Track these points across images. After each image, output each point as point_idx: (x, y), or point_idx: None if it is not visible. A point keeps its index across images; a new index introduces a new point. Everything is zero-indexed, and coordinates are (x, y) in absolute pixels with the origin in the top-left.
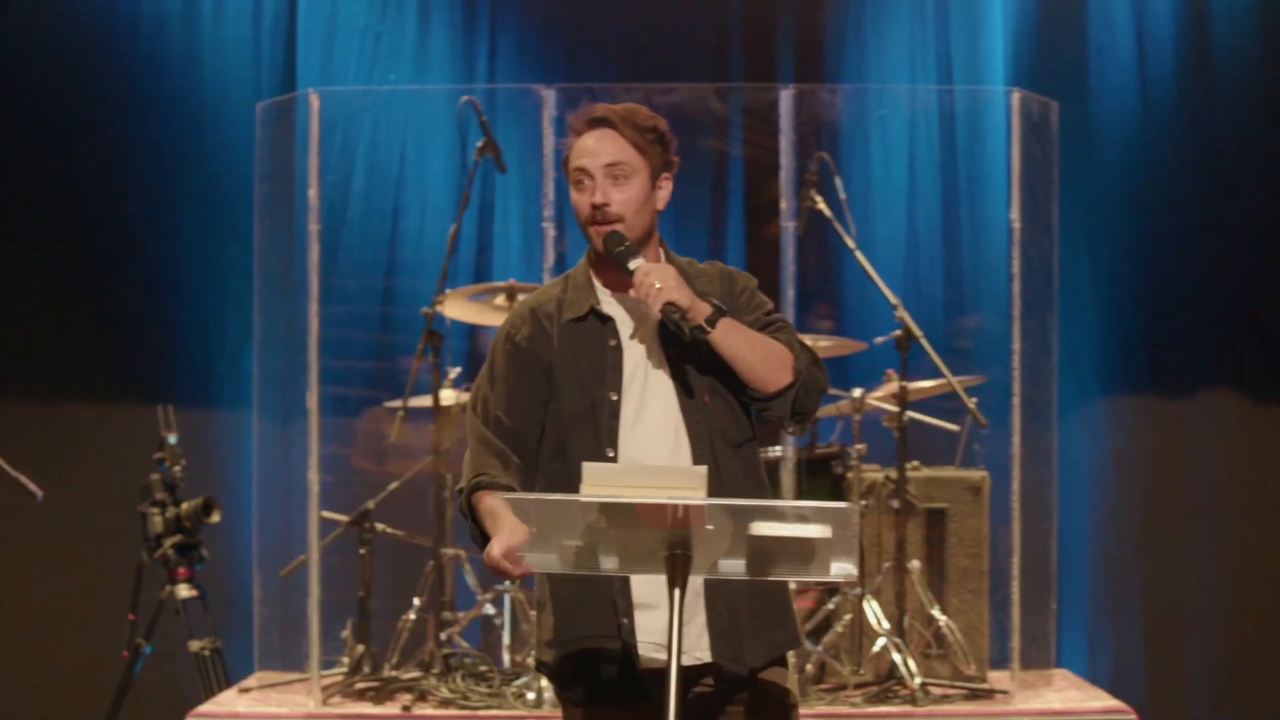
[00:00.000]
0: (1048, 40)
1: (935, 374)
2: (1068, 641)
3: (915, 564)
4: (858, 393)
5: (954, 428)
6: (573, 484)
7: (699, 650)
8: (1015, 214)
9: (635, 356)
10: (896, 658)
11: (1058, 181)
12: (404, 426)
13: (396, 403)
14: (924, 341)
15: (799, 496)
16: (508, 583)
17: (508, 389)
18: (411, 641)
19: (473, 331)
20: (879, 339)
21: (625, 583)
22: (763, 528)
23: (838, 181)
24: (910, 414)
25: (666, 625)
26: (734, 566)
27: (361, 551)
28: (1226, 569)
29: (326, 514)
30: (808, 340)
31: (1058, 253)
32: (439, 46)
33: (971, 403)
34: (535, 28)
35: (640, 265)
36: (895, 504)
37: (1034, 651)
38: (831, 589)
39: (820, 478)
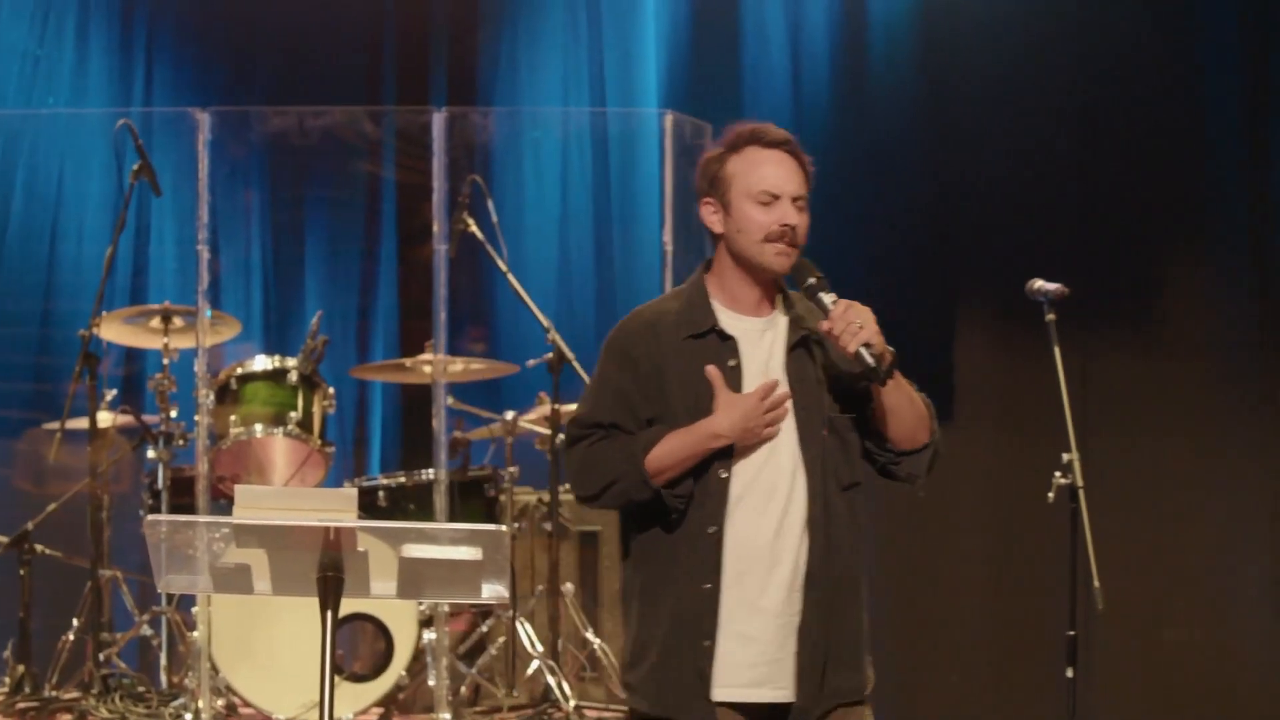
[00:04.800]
0: (701, 61)
1: None
2: None
3: (569, 587)
4: (510, 415)
5: None
6: (694, 503)
7: (784, 687)
8: (668, 236)
9: (754, 379)
10: (551, 680)
11: None
12: (62, 448)
13: (55, 424)
14: (576, 364)
15: (452, 519)
16: (165, 604)
17: (616, 398)
18: (71, 662)
19: (129, 354)
20: (531, 362)
21: (715, 604)
22: (414, 550)
23: (490, 204)
24: (563, 437)
25: (758, 660)
26: (386, 588)
27: (21, 572)
28: (986, 579)
29: None
30: (468, 363)
31: None
32: (97, 70)
33: None
34: (191, 52)
35: (839, 301)
36: (548, 527)
37: None
38: (485, 611)
39: (473, 500)
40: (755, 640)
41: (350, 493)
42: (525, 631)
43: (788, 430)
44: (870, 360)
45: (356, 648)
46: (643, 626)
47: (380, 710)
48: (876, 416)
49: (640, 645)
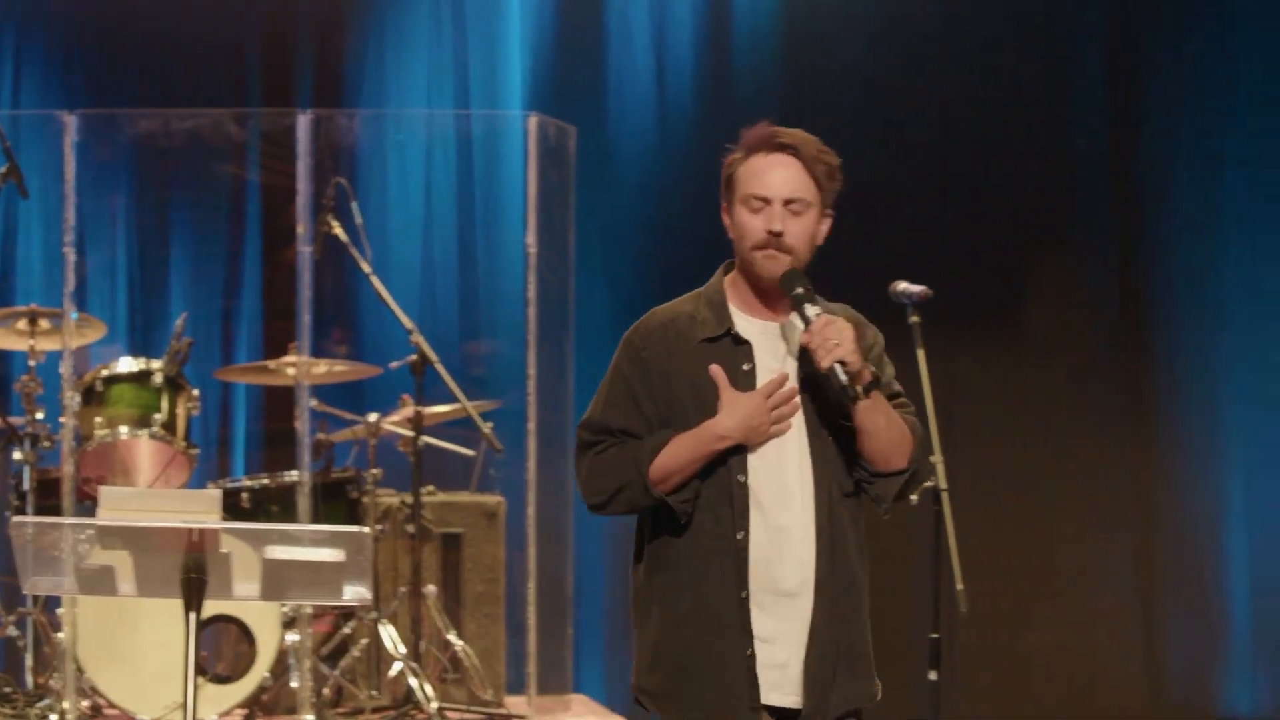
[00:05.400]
0: (566, 64)
1: (451, 399)
2: (585, 667)
3: (431, 589)
4: (373, 417)
5: (470, 453)
6: (714, 509)
7: (793, 693)
8: (531, 238)
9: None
10: (413, 682)
11: (574, 206)
12: None
13: None
14: (439, 366)
15: (315, 521)
16: (30, 605)
17: (626, 402)
18: None
19: None
20: (395, 364)
21: (745, 607)
22: (277, 551)
23: (354, 206)
24: (426, 439)
25: (767, 664)
26: (249, 590)
27: None
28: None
29: None
30: (331, 365)
31: (574, 278)
32: None
33: (487, 428)
34: (59, 55)
35: (821, 315)
36: (411, 529)
37: (550, 677)
38: (348, 613)
39: (336, 502)
40: (766, 645)
41: (214, 494)
42: (388, 633)
43: (797, 434)
44: (843, 378)
45: (220, 649)
46: (664, 632)
47: (244, 711)
48: (856, 433)
49: (661, 651)
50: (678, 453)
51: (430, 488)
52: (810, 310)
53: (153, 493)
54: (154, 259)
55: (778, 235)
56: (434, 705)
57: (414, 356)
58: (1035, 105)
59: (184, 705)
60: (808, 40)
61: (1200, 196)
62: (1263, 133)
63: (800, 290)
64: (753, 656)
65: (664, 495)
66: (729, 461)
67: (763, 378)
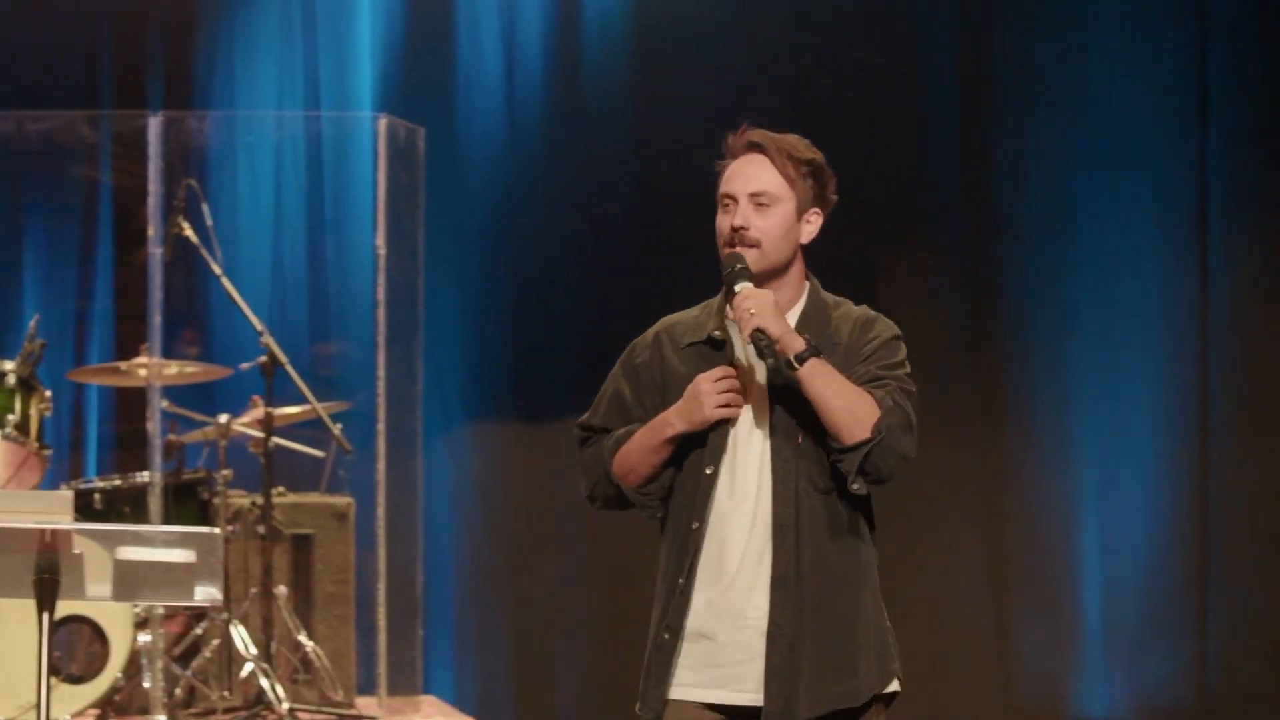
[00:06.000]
0: (416, 65)
1: (301, 400)
2: (435, 667)
3: (282, 590)
4: (224, 418)
5: (320, 454)
6: (683, 501)
7: (753, 691)
8: (381, 240)
9: (745, 383)
10: (264, 683)
11: (424, 207)
12: None
13: None
14: (289, 368)
15: (166, 522)
16: None
17: (611, 405)
18: None
19: None
20: (245, 365)
21: (685, 600)
22: (128, 553)
23: (205, 208)
24: (276, 440)
25: (720, 661)
26: (102, 590)
27: None
28: (591, 587)
29: None
30: (182, 367)
31: (423, 279)
32: None
33: (337, 429)
34: None
35: (744, 289)
36: (261, 530)
37: (401, 678)
38: (200, 614)
39: (188, 503)
40: (715, 640)
41: (66, 495)
42: (239, 634)
43: (760, 431)
44: (762, 345)
45: (73, 649)
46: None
47: (97, 712)
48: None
49: (648, 644)
50: (634, 445)
51: (280, 489)
52: (737, 286)
53: (6, 494)
54: (6, 261)
55: (740, 230)
56: (285, 706)
57: (264, 358)
58: (887, 102)
59: (37, 705)
60: (657, 36)
61: (1052, 197)
62: (1113, 134)
63: (732, 270)
64: (674, 644)
65: (628, 488)
66: (703, 455)
67: (741, 377)
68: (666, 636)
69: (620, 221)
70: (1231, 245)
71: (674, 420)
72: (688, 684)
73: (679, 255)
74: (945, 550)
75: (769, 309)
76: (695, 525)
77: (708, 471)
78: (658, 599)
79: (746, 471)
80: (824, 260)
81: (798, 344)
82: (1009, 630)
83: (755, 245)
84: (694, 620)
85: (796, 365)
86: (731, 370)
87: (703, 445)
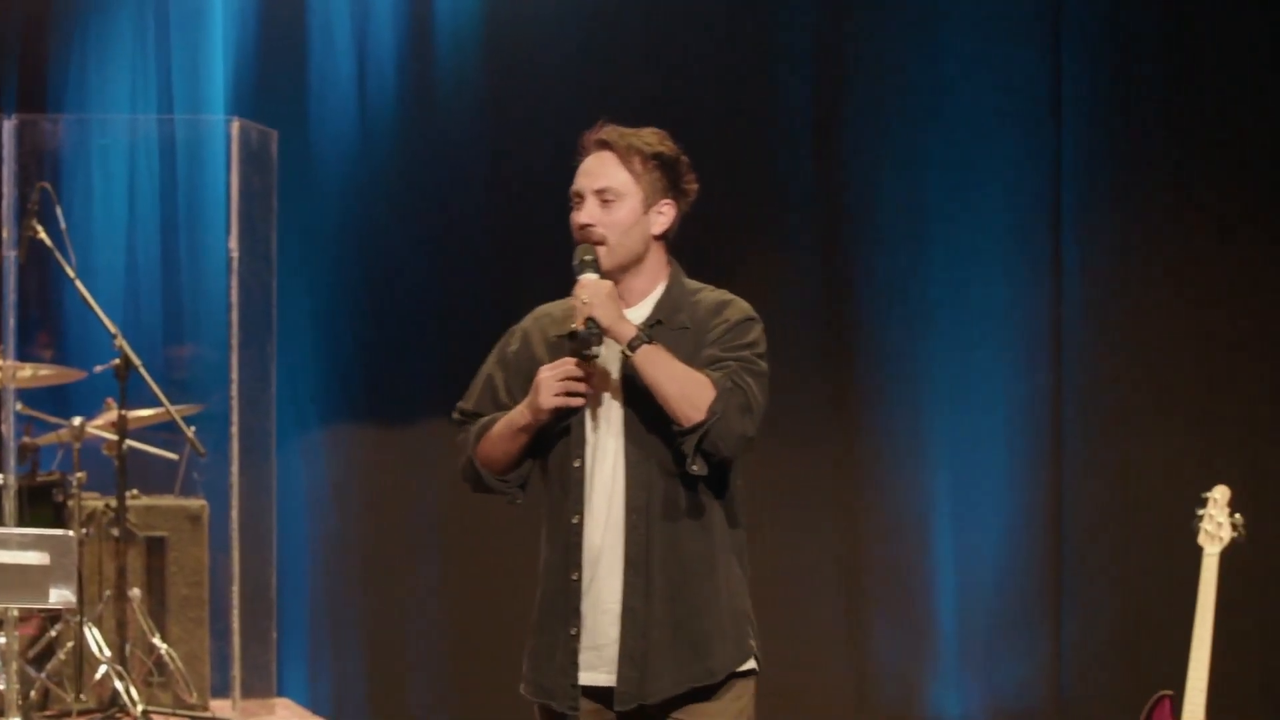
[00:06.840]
0: (269, 67)
1: (155, 402)
2: (289, 670)
3: (136, 592)
4: (77, 421)
5: (173, 456)
6: (558, 494)
7: (610, 673)
8: (234, 243)
9: (601, 374)
10: (119, 685)
11: (276, 210)
12: None
13: None
14: (143, 370)
15: (20, 524)
16: None
17: (483, 390)
18: None
19: None
20: (99, 367)
21: (577, 589)
22: None
23: (59, 211)
24: (130, 442)
25: (588, 645)
26: None
27: None
28: (445, 587)
29: None
30: (36, 369)
31: (276, 281)
32: None
33: (190, 431)
34: None
35: (583, 279)
36: (115, 532)
37: (255, 680)
38: (54, 616)
39: (42, 506)
40: (583, 625)
41: None
42: (93, 636)
43: (617, 420)
44: (593, 336)
45: None
46: (532, 616)
47: None
48: None
49: (527, 634)
50: (494, 434)
51: (134, 491)
52: (580, 277)
53: None
54: None
55: (586, 227)
56: (140, 709)
57: (118, 360)
58: (738, 101)
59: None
60: (511, 38)
61: (903, 197)
62: (967, 134)
63: (579, 261)
64: (576, 638)
65: (488, 475)
66: (569, 447)
67: (606, 367)
68: (573, 631)
69: (473, 223)
70: (1085, 247)
71: (525, 410)
72: (564, 666)
73: (532, 256)
74: (797, 553)
75: (602, 299)
76: (575, 519)
77: (575, 465)
78: (539, 583)
79: (605, 459)
80: (681, 258)
81: (629, 332)
82: (863, 633)
83: (601, 241)
84: (570, 604)
85: (629, 353)
86: (571, 361)
87: (568, 437)
